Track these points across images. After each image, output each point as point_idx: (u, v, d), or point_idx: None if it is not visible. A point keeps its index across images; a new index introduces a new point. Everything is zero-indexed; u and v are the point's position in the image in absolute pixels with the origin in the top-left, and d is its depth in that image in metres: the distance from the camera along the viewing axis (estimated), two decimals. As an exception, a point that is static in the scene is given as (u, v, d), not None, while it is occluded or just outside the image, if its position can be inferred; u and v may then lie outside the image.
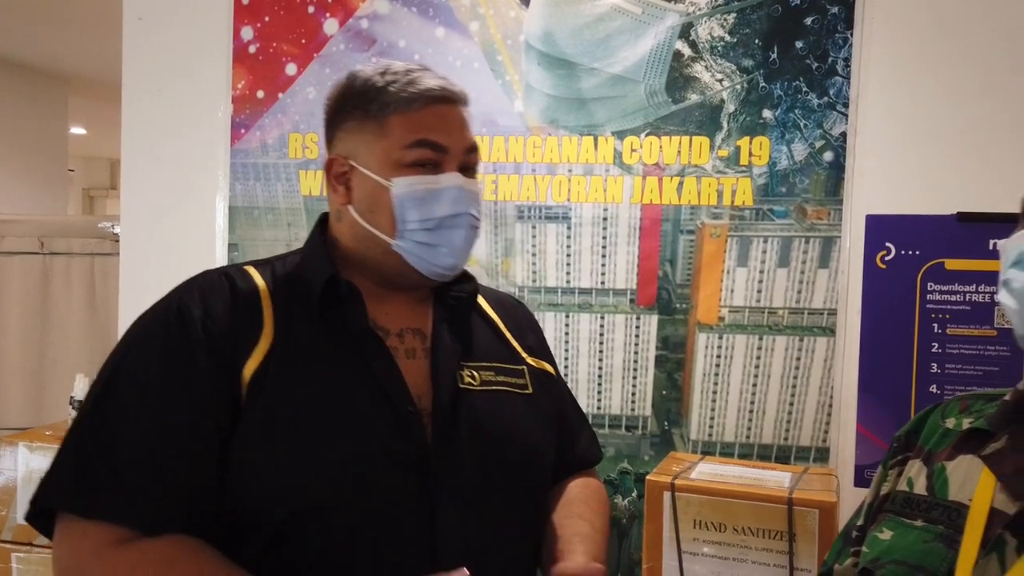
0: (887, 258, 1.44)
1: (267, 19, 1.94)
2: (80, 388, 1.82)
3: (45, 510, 0.79)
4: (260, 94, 1.94)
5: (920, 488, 0.77)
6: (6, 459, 1.75)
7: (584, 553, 0.86)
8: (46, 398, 2.55)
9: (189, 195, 1.96)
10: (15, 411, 2.56)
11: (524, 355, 1.00)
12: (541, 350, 1.05)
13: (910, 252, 1.45)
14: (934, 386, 1.41)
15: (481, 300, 1.02)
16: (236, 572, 0.77)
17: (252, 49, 1.94)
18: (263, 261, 0.95)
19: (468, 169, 0.91)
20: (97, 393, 0.81)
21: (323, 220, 0.97)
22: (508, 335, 1.00)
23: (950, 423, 0.79)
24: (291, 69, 1.93)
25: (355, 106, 0.90)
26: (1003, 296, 0.72)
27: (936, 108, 1.60)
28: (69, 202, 6.60)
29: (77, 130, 6.47)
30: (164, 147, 1.99)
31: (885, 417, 1.42)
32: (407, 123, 0.87)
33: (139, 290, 2.00)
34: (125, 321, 2.01)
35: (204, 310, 0.83)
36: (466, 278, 0.98)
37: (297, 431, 0.80)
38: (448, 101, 0.89)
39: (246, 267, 0.92)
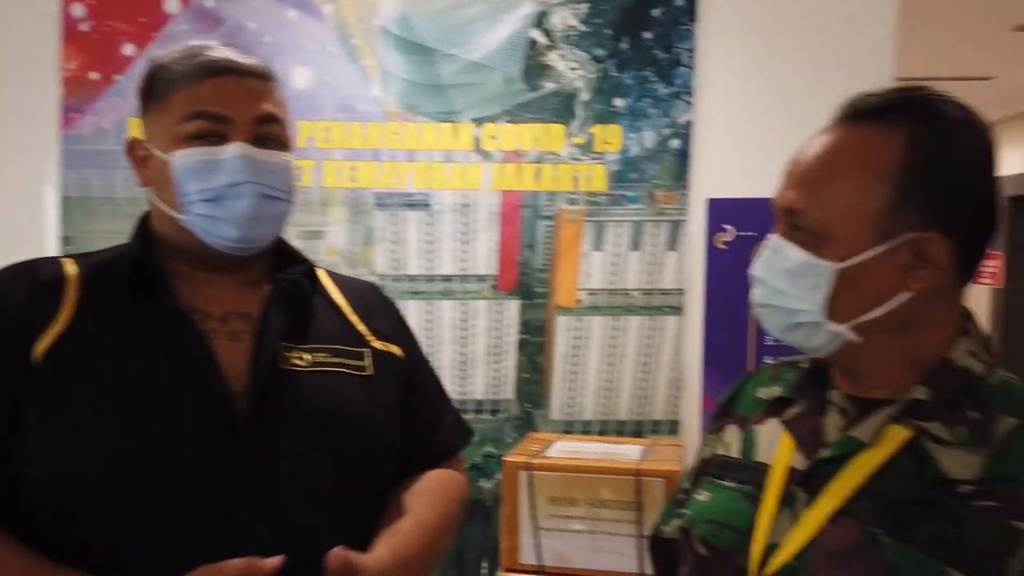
0: (726, 239, 1.53)
1: (100, -6, 1.80)
2: None
3: None
4: (94, 76, 1.80)
5: (735, 452, 0.83)
6: None
7: (388, 548, 0.84)
8: None
9: (15, 185, 1.80)
10: None
11: (370, 338, 0.98)
12: (394, 334, 1.03)
13: (747, 233, 1.54)
14: (770, 357, 1.52)
15: (329, 284, 1.02)
16: (23, 556, 0.76)
17: (84, 27, 1.80)
18: (86, 253, 0.94)
19: (265, 141, 0.89)
20: None
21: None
22: (353, 318, 0.99)
23: (762, 392, 0.85)
24: (128, 49, 1.80)
25: (147, 89, 0.90)
26: None
27: (772, 97, 1.70)
28: None
29: None
30: (-17, 132, 1.82)
31: (727, 389, 1.52)
32: (187, 97, 0.87)
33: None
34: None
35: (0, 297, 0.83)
36: (299, 260, 0.98)
37: (87, 411, 0.80)
38: (232, 72, 0.88)
39: (62, 258, 0.91)
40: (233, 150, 0.86)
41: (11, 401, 0.80)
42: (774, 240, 0.75)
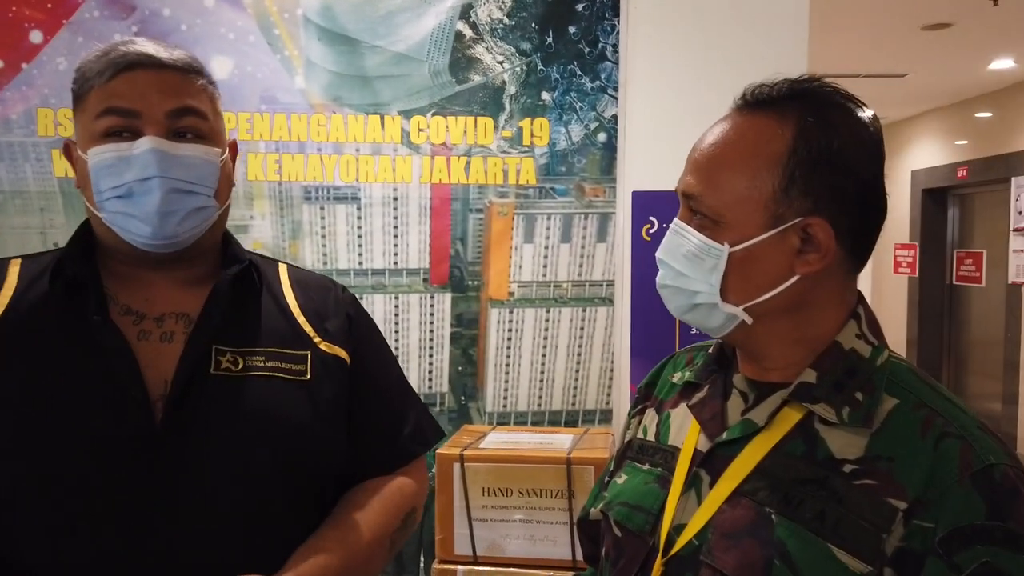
0: (651, 231, 1.56)
1: (4, -22, 1.71)
2: None
3: None
4: (-1, 64, 1.71)
5: (651, 435, 0.85)
6: None
7: (290, 569, 0.81)
8: None
9: (-88, 179, 1.70)
10: None
11: (316, 339, 0.94)
12: (345, 335, 0.98)
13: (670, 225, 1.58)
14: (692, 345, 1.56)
15: (286, 281, 0.99)
16: None
17: (-13, 12, 1.71)
18: (40, 253, 0.93)
19: (183, 135, 0.87)
20: None
21: None
22: (300, 319, 0.95)
23: (676, 377, 0.87)
24: (36, 37, 1.72)
25: (73, 90, 0.89)
26: None
27: (695, 90, 1.74)
28: None
29: None
30: None
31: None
32: (101, 94, 0.85)
33: None
34: None
35: None
36: (237, 259, 0.94)
37: (2, 416, 0.79)
38: (146, 66, 0.86)
39: (13, 259, 0.91)
40: (142, 144, 0.84)
41: None
42: (676, 224, 0.77)
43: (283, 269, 1.00)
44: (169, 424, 0.81)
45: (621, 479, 0.85)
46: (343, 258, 1.77)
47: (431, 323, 1.77)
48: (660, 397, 0.88)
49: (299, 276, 1.01)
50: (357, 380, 0.97)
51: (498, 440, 1.36)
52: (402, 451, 1.00)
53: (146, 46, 0.87)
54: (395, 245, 1.77)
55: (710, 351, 0.85)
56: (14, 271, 0.88)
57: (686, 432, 0.80)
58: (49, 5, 1.72)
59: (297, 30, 1.73)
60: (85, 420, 0.80)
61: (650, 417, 0.87)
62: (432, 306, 1.77)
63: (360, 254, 1.77)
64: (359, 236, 1.77)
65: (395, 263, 1.77)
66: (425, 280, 1.77)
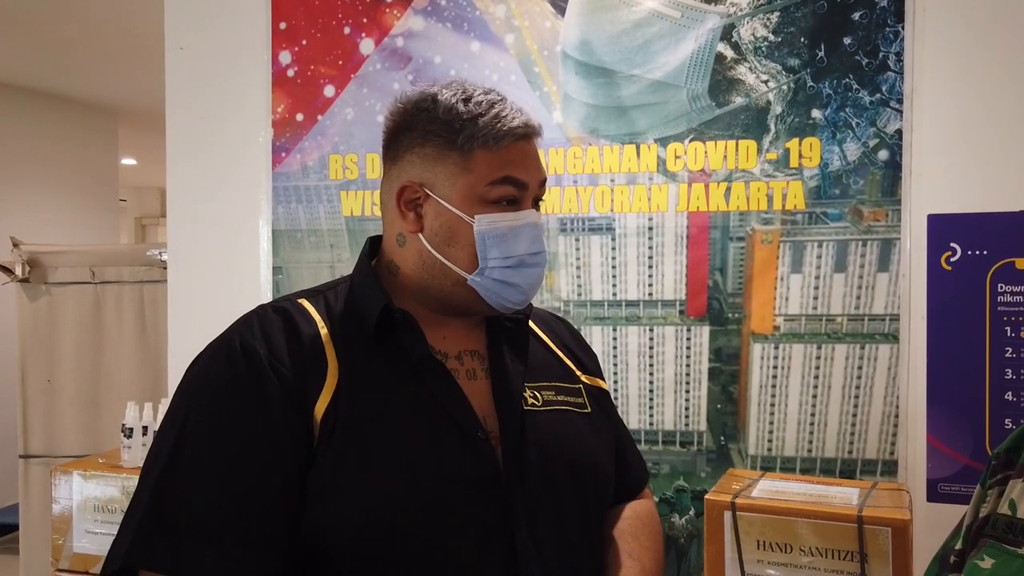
0: (952, 259, 1.37)
1: (304, 43, 1.95)
2: (131, 416, 1.84)
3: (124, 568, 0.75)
4: (299, 117, 1.95)
5: None
6: (61, 488, 1.77)
7: None
8: (100, 426, 2.59)
9: (233, 220, 1.98)
10: (70, 439, 2.61)
11: (578, 373, 0.98)
12: (594, 366, 1.03)
13: (977, 252, 1.37)
14: (1009, 393, 1.33)
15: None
16: None
17: (291, 73, 1.96)
18: (313, 292, 0.93)
19: (538, 201, 0.90)
20: (171, 442, 0.79)
21: (371, 243, 0.95)
22: (559, 353, 0.99)
23: None
24: (329, 91, 1.93)
25: (436, 133, 0.86)
26: None
27: (997, 100, 1.52)
28: (122, 231, 6.80)
29: (128, 161, 6.66)
30: (208, 174, 2.01)
31: (958, 427, 1.34)
32: (494, 160, 0.85)
33: (187, 316, 2.02)
34: (174, 346, 2.03)
35: (268, 349, 0.81)
36: None
37: (369, 463, 0.80)
38: (530, 137, 0.88)
39: (300, 301, 0.89)
40: (530, 217, 0.86)
41: (303, 465, 0.79)
42: None
43: None
44: (509, 463, 0.84)
45: (986, 563, 0.72)
46: (597, 289, 1.76)
47: (687, 357, 1.70)
48: None
49: (535, 311, 1.02)
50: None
51: (771, 488, 1.25)
52: (640, 478, 1.05)
53: (519, 113, 0.87)
54: (650, 276, 1.73)
55: None
56: (312, 309, 0.87)
57: None
58: (340, 62, 1.92)
59: (556, 66, 1.77)
60: (442, 460, 0.81)
61: (1018, 490, 0.74)
62: (689, 339, 1.70)
63: (614, 285, 1.75)
64: (613, 267, 1.75)
65: (650, 294, 1.73)
66: (681, 312, 1.70)
